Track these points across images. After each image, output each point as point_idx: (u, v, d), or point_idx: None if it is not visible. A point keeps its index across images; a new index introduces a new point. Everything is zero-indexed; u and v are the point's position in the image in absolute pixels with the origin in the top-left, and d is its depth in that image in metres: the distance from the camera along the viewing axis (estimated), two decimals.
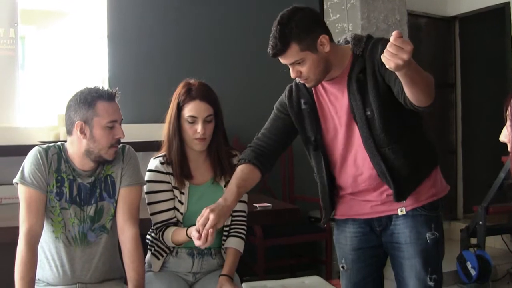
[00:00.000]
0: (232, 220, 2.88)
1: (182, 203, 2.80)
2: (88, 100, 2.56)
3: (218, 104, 2.84)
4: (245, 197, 2.92)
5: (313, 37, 2.36)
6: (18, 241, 2.49)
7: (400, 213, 2.50)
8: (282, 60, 2.42)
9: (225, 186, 2.85)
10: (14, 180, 2.59)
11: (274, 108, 2.72)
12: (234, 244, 2.85)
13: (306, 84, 2.50)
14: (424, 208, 2.50)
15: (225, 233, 2.87)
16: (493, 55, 6.86)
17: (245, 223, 2.92)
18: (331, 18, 5.88)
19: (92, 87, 2.63)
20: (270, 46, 2.38)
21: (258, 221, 4.06)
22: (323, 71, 2.42)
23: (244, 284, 3.02)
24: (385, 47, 1.94)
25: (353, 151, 2.52)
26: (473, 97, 6.90)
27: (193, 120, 2.75)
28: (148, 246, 2.89)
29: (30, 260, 2.46)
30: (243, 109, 5.22)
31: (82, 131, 2.56)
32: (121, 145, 2.75)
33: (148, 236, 2.91)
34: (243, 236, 2.89)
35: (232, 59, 5.44)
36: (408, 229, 2.50)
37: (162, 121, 2.87)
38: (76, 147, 2.62)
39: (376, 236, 2.61)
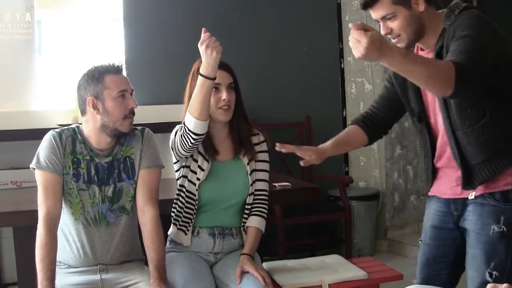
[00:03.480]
0: (254, 199, 2.88)
1: (198, 179, 2.80)
2: (95, 75, 2.62)
3: (236, 77, 2.84)
4: (266, 176, 2.93)
5: None
6: (38, 225, 2.52)
7: (470, 198, 2.40)
8: (374, 14, 2.35)
9: (248, 164, 2.86)
10: (31, 166, 2.63)
11: (385, 79, 2.72)
12: (256, 223, 2.85)
13: (397, 44, 2.37)
14: (494, 198, 2.34)
15: (247, 211, 2.88)
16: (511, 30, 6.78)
17: (267, 202, 2.92)
18: None
19: (98, 64, 2.68)
20: None
21: (278, 201, 4.06)
22: (415, 31, 2.33)
23: (264, 264, 3.02)
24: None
25: (441, 125, 2.45)
26: None
27: (217, 87, 2.74)
28: (173, 221, 2.90)
29: (50, 242, 2.48)
30: (261, 90, 5.21)
31: (94, 107, 2.60)
32: (140, 127, 2.79)
33: (172, 214, 2.91)
34: (264, 215, 2.89)
35: (250, 40, 5.42)
36: (475, 217, 2.38)
37: (180, 102, 2.86)
38: (91, 125, 2.65)
39: (453, 218, 2.50)
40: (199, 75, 2.55)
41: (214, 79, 2.55)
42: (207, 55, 2.49)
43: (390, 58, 1.97)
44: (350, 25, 1.93)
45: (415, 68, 2.02)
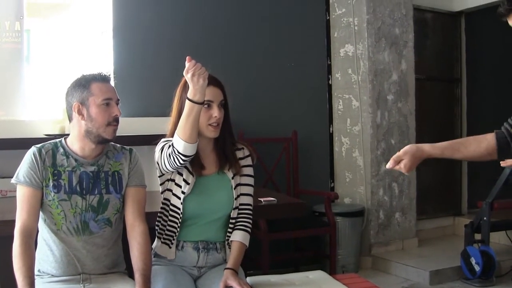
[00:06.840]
0: (238, 213, 2.89)
1: (183, 193, 2.80)
2: (82, 82, 2.68)
3: (225, 93, 2.84)
4: (251, 190, 2.94)
5: None
6: (14, 236, 2.56)
7: None
8: (510, 22, 2.39)
9: (232, 178, 2.86)
10: (11, 181, 2.68)
11: None
12: (240, 237, 2.85)
13: None
14: None
15: (231, 226, 2.88)
16: (499, 50, 6.85)
17: (251, 217, 2.93)
18: (336, 12, 5.89)
19: (87, 73, 2.74)
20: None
21: (264, 215, 4.06)
22: None
23: (248, 279, 3.02)
24: None
25: None
26: (478, 92, 6.89)
27: (209, 104, 2.75)
28: (157, 234, 2.91)
29: (24, 253, 2.51)
30: (249, 105, 5.23)
31: (79, 112, 2.66)
32: (128, 147, 2.86)
33: (156, 228, 2.92)
34: (248, 229, 2.90)
35: (239, 54, 5.45)
36: None
37: (168, 114, 2.87)
38: (76, 130, 2.70)
39: None
40: (187, 100, 2.56)
41: (202, 103, 2.56)
42: (193, 82, 2.50)
43: (430, 157, 2.46)
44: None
45: (455, 157, 2.49)
